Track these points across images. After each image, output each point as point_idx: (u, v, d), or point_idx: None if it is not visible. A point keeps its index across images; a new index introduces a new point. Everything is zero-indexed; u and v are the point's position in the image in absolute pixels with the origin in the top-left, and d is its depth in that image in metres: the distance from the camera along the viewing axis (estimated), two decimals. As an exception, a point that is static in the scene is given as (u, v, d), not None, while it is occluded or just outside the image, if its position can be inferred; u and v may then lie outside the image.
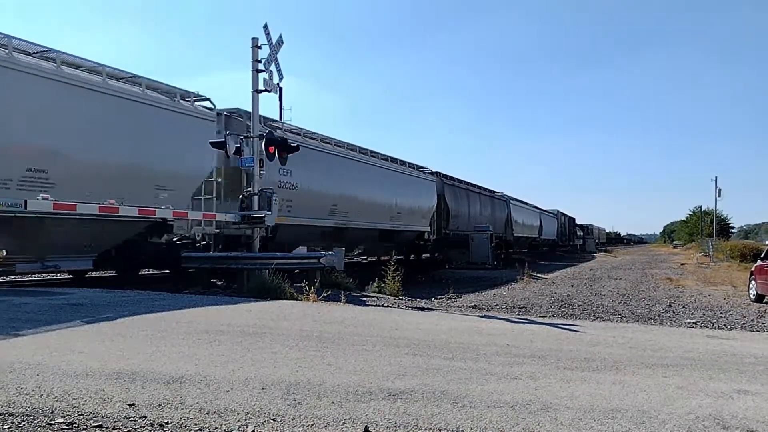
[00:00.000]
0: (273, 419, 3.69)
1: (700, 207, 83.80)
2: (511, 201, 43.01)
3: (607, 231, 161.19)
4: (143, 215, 12.03)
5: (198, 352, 5.53)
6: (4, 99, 10.42)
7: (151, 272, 17.30)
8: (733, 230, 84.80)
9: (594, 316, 11.89)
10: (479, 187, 37.31)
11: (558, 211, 68.28)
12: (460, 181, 33.87)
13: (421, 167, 28.60)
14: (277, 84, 13.62)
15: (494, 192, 41.06)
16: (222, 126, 15.50)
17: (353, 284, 13.81)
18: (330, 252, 13.73)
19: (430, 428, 3.60)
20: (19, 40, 11.07)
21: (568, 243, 74.48)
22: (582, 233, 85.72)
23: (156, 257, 14.27)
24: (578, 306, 13.65)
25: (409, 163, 27.09)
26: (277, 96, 13.57)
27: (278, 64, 13.48)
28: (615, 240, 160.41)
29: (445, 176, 31.50)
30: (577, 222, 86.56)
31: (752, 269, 16.45)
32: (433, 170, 30.10)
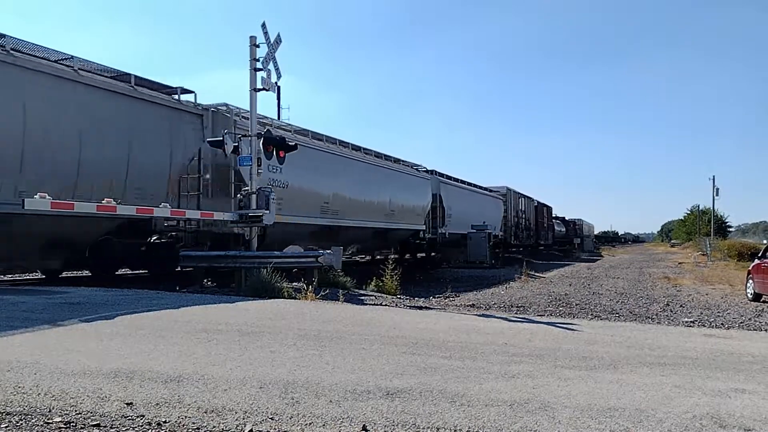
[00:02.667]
0: (271, 418, 3.69)
1: (698, 206, 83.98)
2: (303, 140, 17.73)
3: (604, 230, 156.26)
4: (141, 213, 12.33)
5: (196, 351, 5.53)
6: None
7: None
8: (730, 229, 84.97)
9: (592, 315, 11.91)
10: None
11: (508, 189, 40.90)
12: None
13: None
14: (275, 83, 13.60)
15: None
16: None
17: (351, 283, 13.79)
18: (328, 251, 13.70)
19: (428, 427, 3.60)
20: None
21: (536, 242, 49.24)
22: (565, 229, 65.48)
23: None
24: (576, 305, 13.66)
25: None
26: (275, 95, 13.59)
27: (276, 62, 13.45)
28: (612, 239, 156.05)
29: None
30: (562, 215, 65.85)
31: (749, 268, 16.48)
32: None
